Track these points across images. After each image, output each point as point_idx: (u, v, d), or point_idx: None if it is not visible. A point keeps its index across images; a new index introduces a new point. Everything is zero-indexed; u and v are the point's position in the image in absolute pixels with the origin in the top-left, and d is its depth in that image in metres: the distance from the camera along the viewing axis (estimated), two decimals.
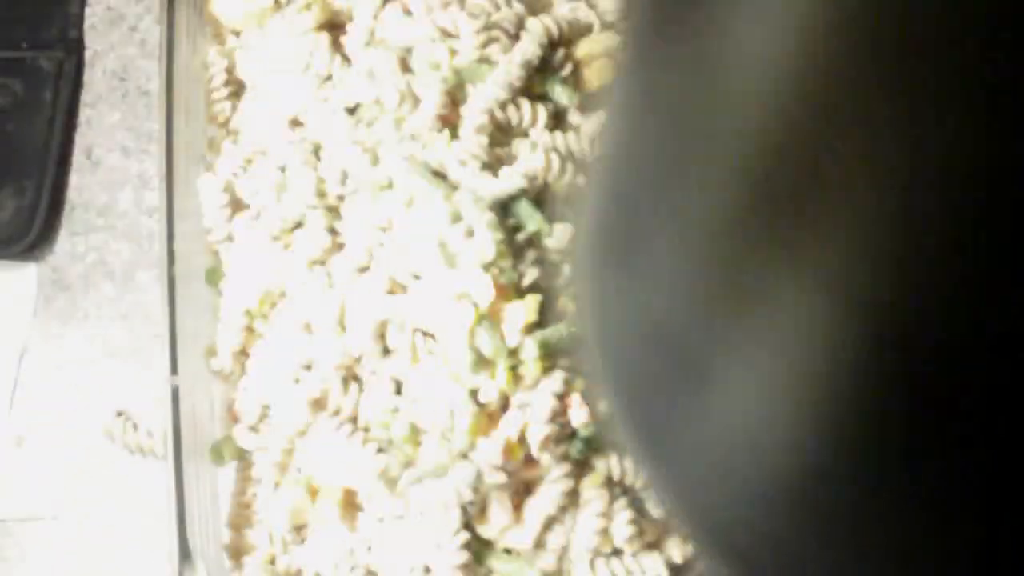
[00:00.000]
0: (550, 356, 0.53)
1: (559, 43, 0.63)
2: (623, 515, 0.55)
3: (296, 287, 0.57)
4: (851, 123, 0.16)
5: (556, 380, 0.52)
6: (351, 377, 0.56)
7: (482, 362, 0.52)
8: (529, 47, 0.62)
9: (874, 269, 0.17)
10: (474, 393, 0.52)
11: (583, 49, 0.64)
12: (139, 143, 0.72)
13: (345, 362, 0.55)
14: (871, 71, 0.16)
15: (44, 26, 0.74)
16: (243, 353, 0.60)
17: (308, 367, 0.56)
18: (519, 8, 0.63)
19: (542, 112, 0.61)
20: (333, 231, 0.58)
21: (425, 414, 0.53)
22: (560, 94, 0.62)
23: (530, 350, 0.52)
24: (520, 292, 0.53)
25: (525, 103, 0.61)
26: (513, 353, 0.52)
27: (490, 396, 0.52)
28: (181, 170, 0.60)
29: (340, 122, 0.60)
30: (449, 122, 0.60)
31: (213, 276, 0.62)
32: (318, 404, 0.56)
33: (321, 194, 0.59)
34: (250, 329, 0.60)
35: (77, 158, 0.71)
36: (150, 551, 0.64)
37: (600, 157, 0.23)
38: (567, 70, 0.63)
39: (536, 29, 0.62)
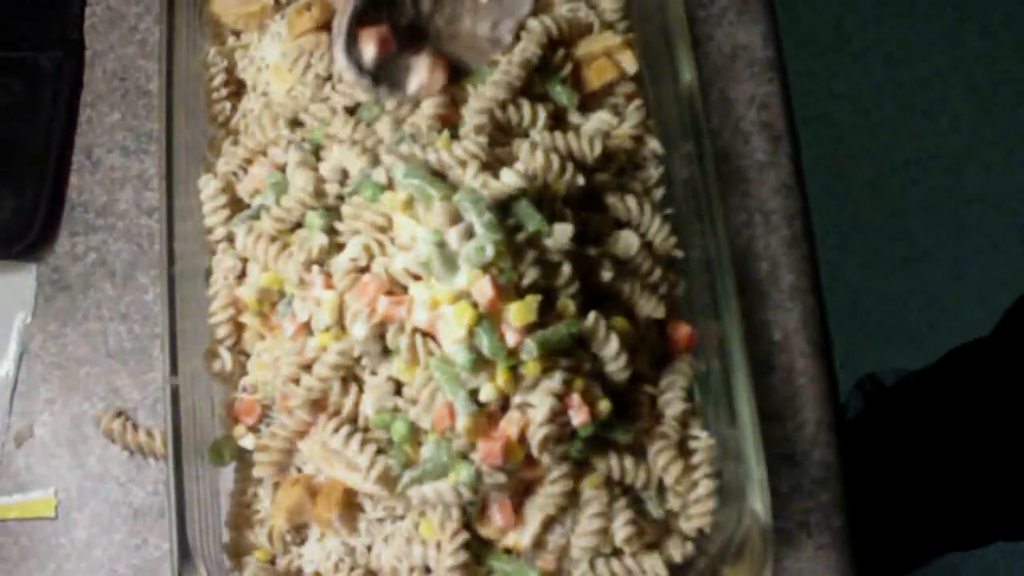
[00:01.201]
0: (550, 356, 0.52)
1: (559, 43, 0.63)
2: (623, 515, 0.55)
3: (296, 287, 0.57)
4: None
5: (556, 380, 0.52)
6: (351, 377, 0.56)
7: (482, 362, 0.52)
8: (529, 47, 0.62)
9: None
10: (474, 393, 0.52)
11: (583, 49, 0.64)
12: (139, 143, 0.72)
13: (345, 362, 0.55)
14: None
15: (44, 26, 0.74)
16: (242, 352, 0.60)
17: (308, 367, 0.56)
18: None
19: (542, 112, 0.61)
20: (333, 231, 0.58)
21: (425, 414, 0.53)
22: (560, 94, 0.62)
23: (530, 350, 0.52)
24: (520, 292, 0.53)
25: (525, 103, 0.61)
26: (513, 353, 0.52)
27: (490, 396, 0.52)
28: (181, 170, 0.60)
29: (340, 122, 0.60)
30: (449, 122, 0.60)
31: None
32: (318, 404, 0.56)
33: (321, 194, 0.59)
34: (238, 323, 0.60)
35: (77, 158, 0.72)
36: (150, 551, 0.64)
37: None
38: (567, 70, 0.63)
39: (536, 29, 0.62)
